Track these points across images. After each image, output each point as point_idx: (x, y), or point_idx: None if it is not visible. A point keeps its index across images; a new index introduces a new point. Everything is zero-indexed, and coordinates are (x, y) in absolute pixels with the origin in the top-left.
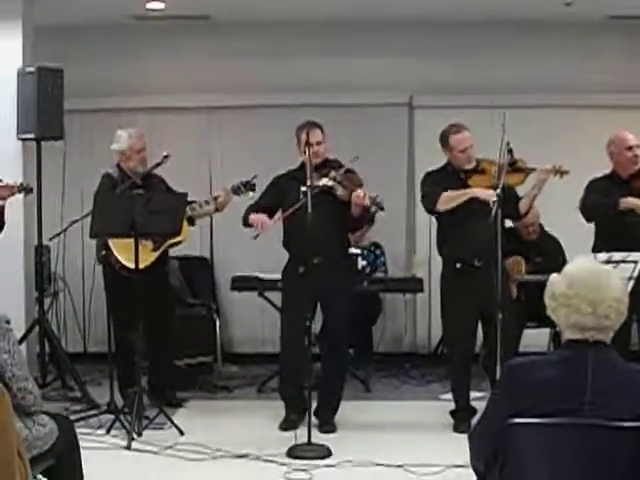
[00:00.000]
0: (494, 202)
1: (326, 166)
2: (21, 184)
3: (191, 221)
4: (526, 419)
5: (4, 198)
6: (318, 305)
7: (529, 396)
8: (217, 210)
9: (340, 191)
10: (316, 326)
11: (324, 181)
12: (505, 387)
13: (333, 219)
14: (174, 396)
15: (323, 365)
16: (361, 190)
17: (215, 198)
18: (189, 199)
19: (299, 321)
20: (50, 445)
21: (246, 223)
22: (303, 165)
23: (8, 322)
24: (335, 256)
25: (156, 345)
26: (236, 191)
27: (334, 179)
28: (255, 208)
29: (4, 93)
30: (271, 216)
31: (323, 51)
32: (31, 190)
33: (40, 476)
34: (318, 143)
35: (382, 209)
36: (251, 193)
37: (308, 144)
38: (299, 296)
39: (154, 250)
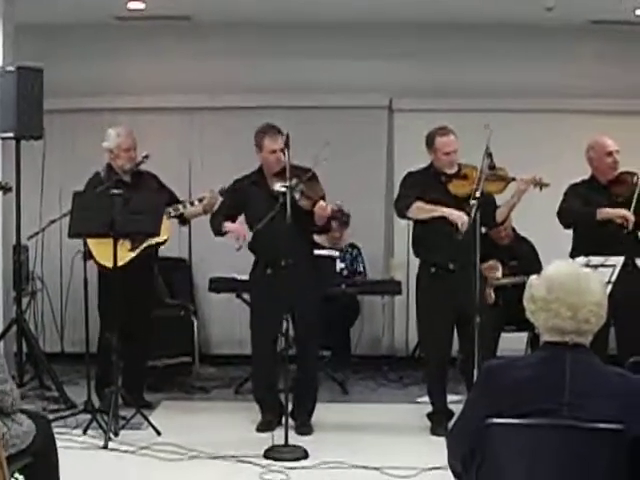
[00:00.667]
0: (463, 226)
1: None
2: None
3: (183, 221)
4: (504, 419)
5: None
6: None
7: (507, 396)
8: (205, 212)
9: (303, 201)
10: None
11: (282, 189)
12: (483, 387)
13: (297, 222)
14: (142, 397)
15: (297, 367)
16: (323, 202)
17: (200, 200)
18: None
19: (268, 323)
20: (27, 443)
21: (219, 232)
22: (261, 169)
23: None
24: (302, 258)
25: (132, 345)
26: (222, 194)
27: (297, 188)
28: (220, 216)
29: None
30: (234, 221)
31: (303, 53)
32: (10, 189)
33: (17, 474)
34: (281, 150)
35: (346, 222)
36: None
37: (288, 149)
38: (268, 298)
39: (131, 250)
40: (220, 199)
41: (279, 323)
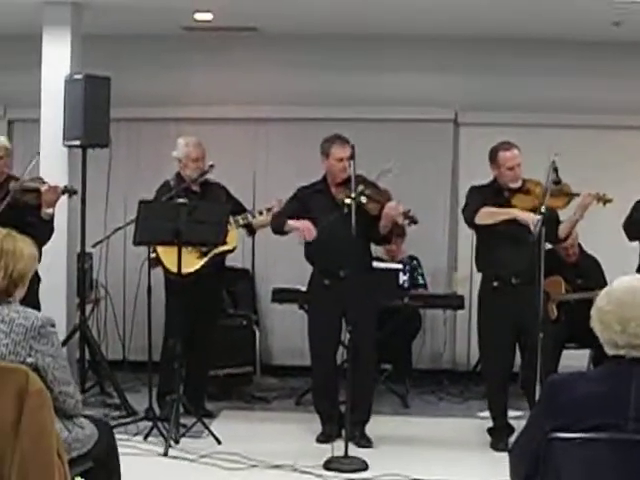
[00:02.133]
0: (535, 224)
1: (350, 181)
2: (65, 186)
3: (251, 231)
4: (567, 434)
5: (53, 204)
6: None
7: (570, 411)
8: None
9: (371, 205)
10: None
11: (354, 197)
12: (546, 402)
13: (359, 232)
14: (203, 406)
15: (349, 380)
16: (394, 202)
17: (268, 209)
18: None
19: (327, 335)
20: (89, 448)
21: (280, 230)
22: (325, 178)
23: (53, 325)
24: (361, 270)
25: (195, 354)
26: None
27: (363, 193)
28: (282, 217)
29: (51, 100)
30: None
31: (370, 65)
32: (75, 192)
33: (78, 478)
34: (348, 158)
35: (415, 222)
36: None
37: (353, 159)
38: (326, 309)
39: (200, 257)
40: None
41: (338, 334)
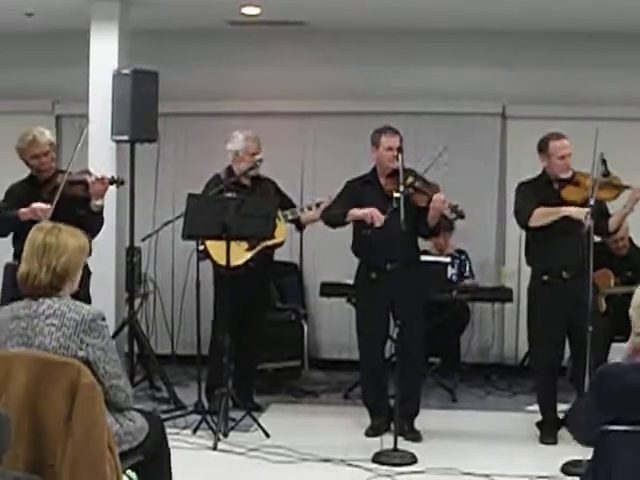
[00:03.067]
0: (586, 216)
1: (399, 173)
2: (112, 176)
3: (299, 226)
4: (618, 426)
5: (102, 194)
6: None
7: (619, 401)
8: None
9: (418, 196)
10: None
11: (402, 189)
12: (597, 392)
13: (408, 226)
14: (251, 399)
15: (399, 373)
16: (441, 194)
17: (317, 204)
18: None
19: (374, 328)
20: (140, 441)
21: (337, 222)
22: (375, 170)
23: (104, 319)
24: (408, 263)
25: (244, 348)
26: None
27: (412, 185)
28: (335, 209)
29: (99, 95)
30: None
31: (417, 59)
32: (122, 182)
33: (129, 471)
34: (398, 149)
35: (462, 217)
36: None
37: (401, 151)
38: (373, 303)
39: (248, 250)
40: None
41: (385, 328)
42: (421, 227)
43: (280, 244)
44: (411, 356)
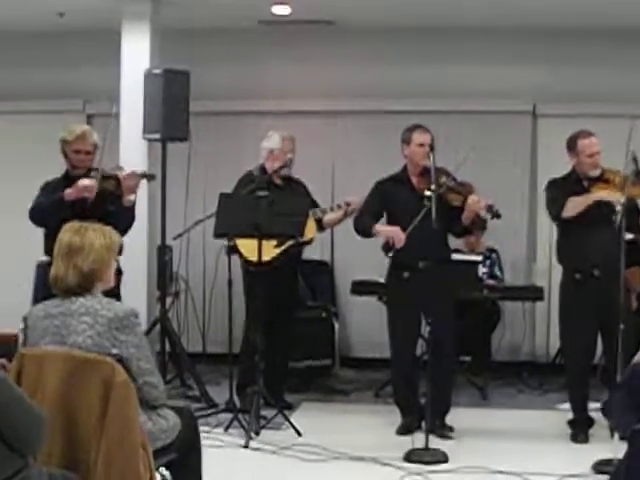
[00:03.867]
0: (621, 205)
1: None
2: (144, 171)
3: (320, 227)
4: None
5: (134, 189)
6: None
7: None
8: (346, 216)
9: (453, 196)
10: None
11: (434, 189)
12: (627, 387)
13: (439, 225)
14: (282, 398)
15: (430, 371)
16: (475, 195)
17: (347, 203)
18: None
19: (406, 327)
20: (173, 439)
21: (366, 233)
22: (405, 168)
23: (136, 316)
24: (439, 262)
25: (275, 346)
26: None
27: (445, 185)
28: (366, 216)
29: (131, 94)
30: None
31: (447, 58)
32: (153, 177)
33: (162, 469)
34: (427, 145)
35: (499, 217)
36: None
37: (432, 150)
38: (404, 301)
39: (277, 246)
40: None
41: (417, 327)
42: (454, 226)
43: (309, 242)
44: (442, 354)
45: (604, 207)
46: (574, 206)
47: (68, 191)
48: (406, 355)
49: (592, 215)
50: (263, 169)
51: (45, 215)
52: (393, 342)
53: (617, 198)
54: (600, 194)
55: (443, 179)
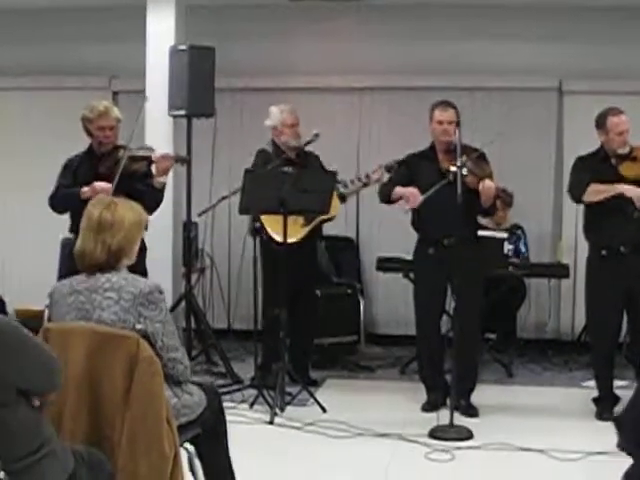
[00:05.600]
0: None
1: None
2: (177, 154)
3: (342, 198)
4: None
5: (166, 171)
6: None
7: None
8: (365, 185)
9: (469, 178)
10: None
11: (453, 168)
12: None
13: (464, 202)
14: (307, 374)
15: (455, 348)
16: (489, 181)
17: (367, 176)
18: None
19: (432, 304)
20: (197, 414)
21: (387, 199)
22: (433, 145)
23: (161, 292)
24: (465, 238)
25: (298, 322)
26: (389, 170)
27: (465, 165)
28: (388, 185)
29: (157, 70)
30: None
31: (472, 34)
32: (187, 160)
33: (187, 444)
34: (450, 122)
35: (509, 205)
36: None
37: (458, 126)
38: (430, 278)
39: (305, 225)
40: (386, 175)
41: (442, 303)
42: (476, 206)
43: (332, 218)
44: (468, 331)
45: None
46: (595, 193)
47: (84, 190)
48: (432, 332)
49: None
50: (275, 145)
51: (64, 206)
52: (419, 318)
53: (639, 195)
54: (624, 188)
55: (463, 158)
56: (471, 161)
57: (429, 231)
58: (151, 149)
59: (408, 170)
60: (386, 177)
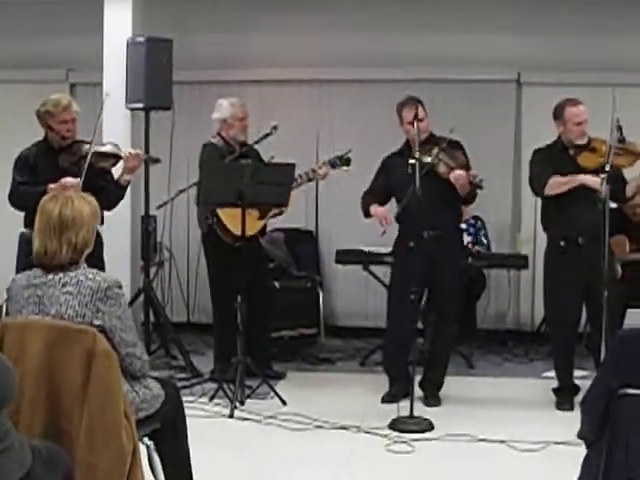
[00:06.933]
0: (602, 184)
1: (430, 142)
2: (148, 155)
3: None
4: (637, 390)
5: (135, 170)
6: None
7: (634, 365)
8: (310, 180)
9: (441, 168)
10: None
11: (425, 159)
12: (616, 356)
13: (442, 194)
14: (271, 367)
15: (430, 339)
16: (460, 170)
17: (314, 170)
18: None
19: (408, 296)
20: (156, 408)
21: (366, 214)
22: (407, 141)
23: (120, 287)
24: (445, 231)
25: (254, 315)
26: (332, 165)
27: (436, 156)
28: (370, 194)
29: (113, 63)
30: (388, 199)
31: (431, 26)
32: (158, 161)
33: (146, 439)
34: (421, 120)
35: (480, 188)
36: (345, 167)
37: (417, 118)
38: (408, 271)
39: (260, 219)
40: (331, 170)
41: (419, 295)
42: (456, 197)
43: (284, 211)
44: (445, 324)
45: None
46: (556, 186)
47: (51, 186)
48: (405, 324)
49: (578, 186)
50: (223, 139)
51: (26, 203)
52: (392, 309)
53: (599, 183)
54: (583, 178)
55: (435, 150)
56: (443, 152)
57: (409, 224)
58: (117, 146)
59: (383, 172)
60: (331, 172)
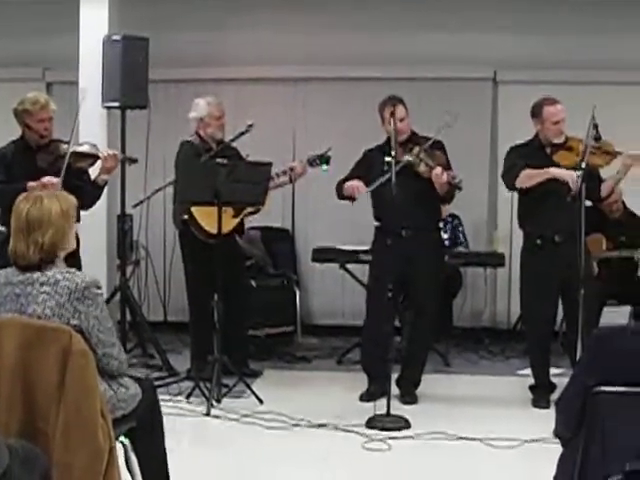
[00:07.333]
0: (575, 182)
1: (411, 141)
2: (125, 156)
3: None
4: (612, 387)
5: (112, 171)
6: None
7: (617, 363)
8: (291, 181)
9: (422, 168)
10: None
11: (406, 157)
12: (592, 354)
13: (420, 193)
14: (247, 365)
15: (407, 337)
16: (440, 168)
17: (291, 169)
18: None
19: (385, 294)
20: (133, 407)
21: (341, 196)
22: (389, 139)
23: (98, 287)
24: (423, 229)
25: (230, 314)
26: (311, 163)
27: (416, 155)
28: (341, 184)
29: (90, 61)
30: None
31: (408, 24)
32: (136, 161)
33: (122, 437)
34: (402, 119)
35: (460, 189)
36: (325, 166)
37: (393, 117)
38: (386, 269)
39: (234, 216)
40: (309, 169)
41: (396, 293)
42: (435, 196)
43: (259, 210)
44: (422, 322)
45: None
46: (528, 178)
47: (31, 184)
48: (383, 322)
49: (551, 182)
50: (200, 138)
51: (5, 201)
52: (370, 307)
53: (571, 176)
54: (555, 172)
55: (416, 149)
56: (423, 151)
57: (387, 222)
58: (95, 146)
59: (362, 165)
60: (309, 170)
